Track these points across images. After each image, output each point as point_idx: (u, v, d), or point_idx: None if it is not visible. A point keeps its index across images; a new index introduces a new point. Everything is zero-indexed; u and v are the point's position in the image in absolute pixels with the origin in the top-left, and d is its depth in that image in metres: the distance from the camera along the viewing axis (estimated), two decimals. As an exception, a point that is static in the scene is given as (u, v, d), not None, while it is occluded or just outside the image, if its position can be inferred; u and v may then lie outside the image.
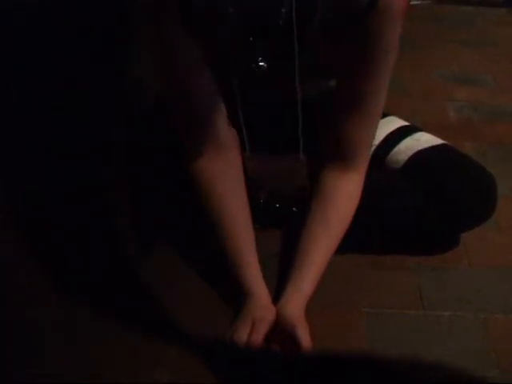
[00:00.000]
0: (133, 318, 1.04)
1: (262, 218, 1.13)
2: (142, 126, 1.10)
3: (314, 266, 1.05)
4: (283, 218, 1.16)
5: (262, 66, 0.95)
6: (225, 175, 1.08)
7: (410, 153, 1.18)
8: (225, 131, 1.07)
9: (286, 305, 1.01)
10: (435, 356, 1.01)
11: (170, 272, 1.14)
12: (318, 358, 0.97)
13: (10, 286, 1.08)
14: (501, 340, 1.04)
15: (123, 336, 1.01)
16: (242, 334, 0.96)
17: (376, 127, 1.07)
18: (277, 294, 1.05)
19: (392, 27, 0.93)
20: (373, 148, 1.14)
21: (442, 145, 1.20)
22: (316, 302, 1.04)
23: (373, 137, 1.08)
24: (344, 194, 1.08)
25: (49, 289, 1.08)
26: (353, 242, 1.14)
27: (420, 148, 1.18)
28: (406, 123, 1.26)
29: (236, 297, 1.04)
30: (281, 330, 0.98)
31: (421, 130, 1.24)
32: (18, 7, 1.16)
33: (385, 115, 1.22)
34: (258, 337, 0.96)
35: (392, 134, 1.22)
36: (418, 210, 1.14)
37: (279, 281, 1.09)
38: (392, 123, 1.24)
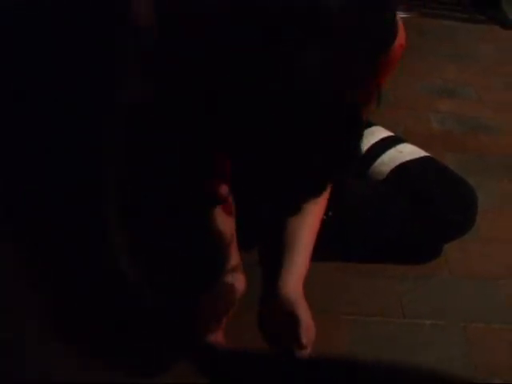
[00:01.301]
0: (133, 318, 1.04)
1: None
2: (142, 125, 1.10)
3: (305, 246, 1.07)
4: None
5: None
6: None
7: (393, 165, 1.19)
8: None
9: (284, 285, 1.01)
10: (415, 363, 1.02)
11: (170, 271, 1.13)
12: (304, 363, 0.98)
13: (10, 285, 1.08)
14: (480, 348, 1.06)
15: (123, 336, 1.01)
16: (208, 305, 0.98)
17: None
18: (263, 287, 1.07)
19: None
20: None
21: (425, 157, 1.22)
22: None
23: None
24: None
25: (49, 289, 1.08)
26: (335, 249, 1.16)
27: (403, 160, 1.20)
28: (390, 133, 1.28)
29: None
30: (282, 311, 0.98)
31: (404, 141, 1.26)
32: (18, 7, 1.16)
33: (369, 125, 1.24)
34: (218, 322, 0.97)
35: (376, 144, 1.24)
36: (400, 221, 1.15)
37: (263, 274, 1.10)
38: (376, 133, 1.26)
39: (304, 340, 0.93)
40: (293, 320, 0.95)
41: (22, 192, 1.21)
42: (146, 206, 1.11)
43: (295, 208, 0.81)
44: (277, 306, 0.99)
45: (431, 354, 1.04)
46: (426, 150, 1.25)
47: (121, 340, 1.00)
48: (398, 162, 1.20)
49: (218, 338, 0.97)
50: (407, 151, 1.23)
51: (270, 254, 1.13)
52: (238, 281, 1.02)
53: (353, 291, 1.16)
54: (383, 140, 1.25)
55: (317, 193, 0.76)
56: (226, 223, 1.05)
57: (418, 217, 1.14)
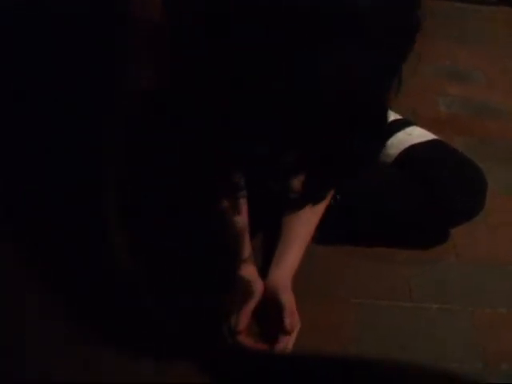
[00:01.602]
0: (133, 318, 1.04)
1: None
2: (142, 125, 1.09)
3: (298, 239, 1.09)
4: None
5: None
6: None
7: (402, 147, 1.19)
8: None
9: (272, 276, 1.05)
10: (422, 347, 1.03)
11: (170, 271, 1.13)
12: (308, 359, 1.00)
13: (10, 286, 1.08)
14: (487, 333, 1.06)
15: (123, 336, 1.01)
16: (233, 310, 0.99)
17: None
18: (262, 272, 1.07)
19: None
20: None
21: (434, 140, 1.21)
22: (306, 291, 1.06)
23: None
24: None
25: (49, 289, 1.07)
26: (344, 233, 1.16)
27: (412, 143, 1.19)
28: (399, 117, 1.27)
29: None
30: (267, 301, 1.01)
31: (413, 124, 1.25)
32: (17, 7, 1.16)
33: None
34: (247, 310, 0.98)
35: (385, 127, 1.23)
36: (408, 204, 1.15)
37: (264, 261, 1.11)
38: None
39: (287, 325, 0.97)
40: (277, 307, 0.99)
41: (22, 192, 1.20)
42: (149, 204, 1.12)
43: (320, 197, 0.83)
44: (264, 296, 1.02)
45: (438, 338, 1.05)
46: (435, 134, 1.24)
47: (121, 339, 1.00)
48: (406, 145, 1.19)
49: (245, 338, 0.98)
50: (416, 134, 1.22)
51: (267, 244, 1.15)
52: (252, 273, 1.04)
53: (361, 275, 1.15)
54: (392, 123, 1.24)
55: (339, 183, 0.77)
56: (240, 215, 1.08)
57: (426, 200, 1.13)
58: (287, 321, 0.97)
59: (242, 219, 1.09)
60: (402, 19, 0.64)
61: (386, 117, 0.73)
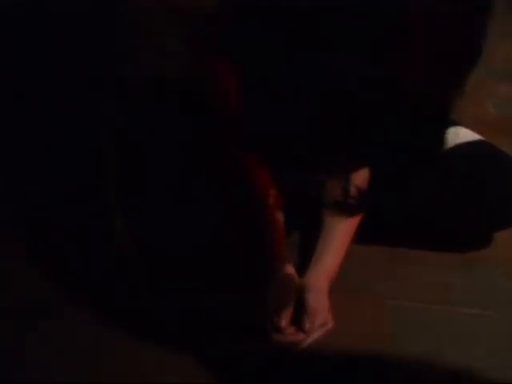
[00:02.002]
0: (134, 318, 1.04)
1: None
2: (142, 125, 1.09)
3: (340, 240, 1.09)
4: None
5: None
6: None
7: (448, 146, 1.16)
8: None
9: (308, 275, 1.05)
10: (457, 353, 1.01)
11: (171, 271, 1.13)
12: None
13: (10, 286, 1.09)
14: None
15: (125, 337, 1.01)
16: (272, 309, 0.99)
17: None
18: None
19: None
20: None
21: (480, 141, 1.19)
22: (341, 291, 1.05)
23: None
24: None
25: (48, 290, 1.08)
26: (384, 235, 1.16)
27: (458, 142, 1.17)
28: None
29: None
30: (298, 302, 1.01)
31: (459, 125, 1.23)
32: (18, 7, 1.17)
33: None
34: (289, 307, 0.99)
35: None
36: (451, 205, 1.13)
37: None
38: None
39: (305, 324, 0.97)
40: (302, 305, 0.99)
41: (22, 192, 1.22)
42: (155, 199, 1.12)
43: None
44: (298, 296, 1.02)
45: (476, 345, 1.03)
46: (482, 135, 1.22)
47: (121, 339, 1.01)
48: (452, 144, 1.17)
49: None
50: (462, 134, 1.19)
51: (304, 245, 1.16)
52: (291, 271, 1.05)
53: (399, 277, 1.14)
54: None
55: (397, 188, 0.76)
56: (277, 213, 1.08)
57: (470, 202, 1.12)
58: (306, 320, 0.97)
59: (281, 217, 1.10)
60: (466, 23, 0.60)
61: (446, 122, 0.70)
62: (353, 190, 0.75)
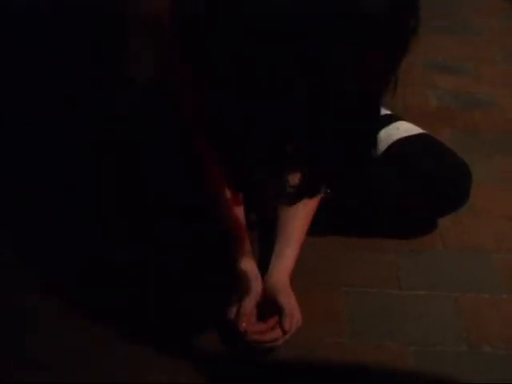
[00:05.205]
0: (133, 318, 1.06)
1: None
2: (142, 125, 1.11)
3: (296, 236, 1.12)
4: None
5: None
6: None
7: (390, 141, 1.23)
8: None
9: (270, 275, 1.08)
10: (409, 332, 1.07)
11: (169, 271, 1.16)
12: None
13: (9, 286, 1.10)
14: (471, 318, 1.11)
15: (123, 337, 1.03)
16: (232, 309, 1.02)
17: None
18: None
19: None
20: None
21: (420, 134, 1.25)
22: (297, 281, 1.10)
23: None
24: None
25: (48, 290, 1.10)
26: (335, 225, 1.21)
27: (399, 137, 1.23)
28: (388, 112, 1.31)
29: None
30: (267, 302, 1.03)
31: (401, 119, 1.29)
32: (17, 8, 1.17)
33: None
34: (246, 308, 1.00)
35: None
36: (396, 196, 1.19)
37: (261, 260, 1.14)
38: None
39: (286, 326, 0.99)
40: (277, 308, 1.01)
41: (22, 192, 1.23)
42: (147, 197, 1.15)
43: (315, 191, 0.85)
44: (264, 296, 1.04)
45: (424, 324, 1.09)
46: (424, 126, 1.28)
47: (121, 339, 1.03)
48: (394, 138, 1.23)
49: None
50: (403, 128, 1.26)
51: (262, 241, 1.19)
52: (252, 268, 1.08)
53: (352, 264, 1.20)
54: (380, 118, 1.27)
55: (336, 181, 0.80)
56: (237, 212, 1.12)
57: (414, 192, 1.18)
58: (286, 322, 0.99)
59: (241, 211, 1.13)
60: (400, 23, 0.67)
61: (378, 116, 0.77)
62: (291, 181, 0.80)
